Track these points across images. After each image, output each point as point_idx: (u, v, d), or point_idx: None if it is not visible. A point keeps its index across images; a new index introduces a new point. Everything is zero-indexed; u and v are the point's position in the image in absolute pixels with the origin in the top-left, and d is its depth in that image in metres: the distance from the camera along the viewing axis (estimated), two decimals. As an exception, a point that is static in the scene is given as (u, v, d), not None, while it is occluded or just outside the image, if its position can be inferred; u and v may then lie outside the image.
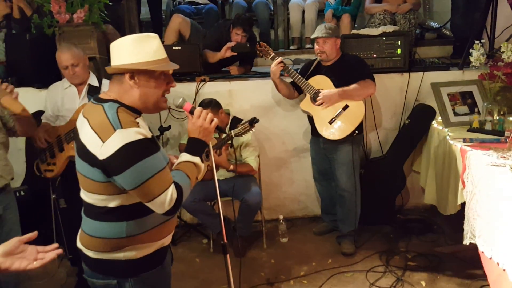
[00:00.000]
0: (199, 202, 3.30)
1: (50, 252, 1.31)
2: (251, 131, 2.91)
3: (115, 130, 1.45)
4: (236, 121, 3.31)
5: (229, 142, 3.15)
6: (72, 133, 2.78)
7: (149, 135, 1.53)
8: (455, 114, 3.39)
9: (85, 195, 1.60)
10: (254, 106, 3.80)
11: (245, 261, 3.31)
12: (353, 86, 3.19)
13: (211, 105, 3.24)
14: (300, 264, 3.32)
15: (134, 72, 1.52)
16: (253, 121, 2.88)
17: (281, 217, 3.74)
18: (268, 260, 3.42)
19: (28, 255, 1.28)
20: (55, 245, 1.33)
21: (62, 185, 3.24)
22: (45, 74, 3.66)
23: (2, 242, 2.37)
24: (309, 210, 4.09)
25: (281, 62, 3.27)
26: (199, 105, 3.25)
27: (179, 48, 3.82)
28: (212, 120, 1.68)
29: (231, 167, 3.27)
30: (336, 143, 3.27)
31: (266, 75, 4.00)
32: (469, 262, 3.06)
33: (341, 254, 3.40)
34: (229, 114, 3.50)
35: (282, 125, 3.88)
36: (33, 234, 1.31)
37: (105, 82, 2.94)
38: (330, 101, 3.20)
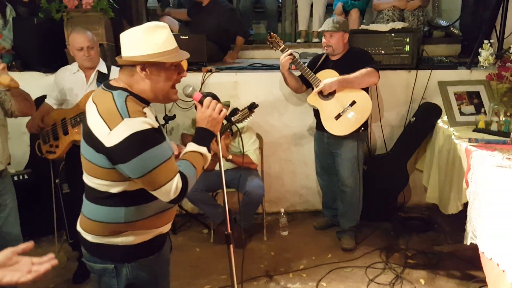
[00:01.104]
0: (201, 192, 3.31)
1: (45, 263, 1.24)
2: (250, 116, 2.89)
3: (122, 119, 1.45)
4: (236, 111, 3.31)
5: (229, 130, 3.13)
6: (78, 118, 2.78)
7: (156, 125, 1.54)
8: (461, 113, 3.38)
9: (87, 179, 1.61)
10: (259, 98, 3.77)
11: (245, 252, 3.33)
12: (354, 74, 3.17)
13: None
14: (300, 258, 3.33)
15: (145, 64, 1.53)
16: (252, 106, 2.86)
17: (282, 210, 3.74)
18: (267, 252, 3.44)
19: (22, 266, 1.22)
20: (51, 255, 1.28)
21: (66, 170, 3.25)
22: (51, 59, 3.66)
23: (0, 227, 2.36)
24: (310, 204, 4.09)
25: (290, 54, 3.26)
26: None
27: (186, 37, 3.81)
28: (221, 111, 1.67)
29: (230, 156, 3.27)
30: (340, 138, 3.26)
31: (272, 67, 4.00)
32: (468, 262, 3.07)
33: (341, 249, 3.41)
34: (228, 106, 3.49)
35: (286, 118, 3.88)
36: (28, 245, 1.25)
37: (114, 69, 2.93)
38: (330, 89, 3.17)
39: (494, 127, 3.07)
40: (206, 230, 3.77)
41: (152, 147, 1.47)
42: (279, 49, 3.35)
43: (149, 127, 1.48)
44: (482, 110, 3.35)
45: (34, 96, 2.69)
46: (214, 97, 3.27)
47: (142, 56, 1.51)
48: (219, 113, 1.67)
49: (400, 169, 3.72)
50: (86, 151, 1.56)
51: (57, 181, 3.37)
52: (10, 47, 3.85)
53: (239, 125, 3.25)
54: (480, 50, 3.48)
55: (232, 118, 2.92)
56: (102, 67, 2.94)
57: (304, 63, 3.38)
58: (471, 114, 3.37)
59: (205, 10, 4.42)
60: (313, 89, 3.33)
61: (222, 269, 3.10)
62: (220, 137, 3.12)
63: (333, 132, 3.24)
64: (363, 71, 3.17)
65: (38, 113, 2.88)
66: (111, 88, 1.57)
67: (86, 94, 2.81)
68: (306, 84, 3.43)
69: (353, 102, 3.21)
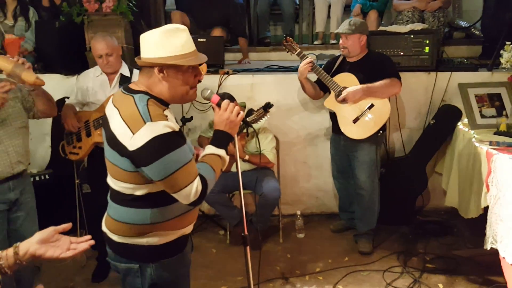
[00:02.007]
0: (217, 194, 3.32)
1: (83, 243, 1.34)
2: (266, 116, 2.90)
3: (145, 123, 1.48)
4: (251, 112, 3.32)
5: (245, 131, 3.14)
6: (101, 120, 2.83)
7: (177, 128, 1.56)
8: (482, 116, 3.32)
9: (112, 182, 1.64)
10: (276, 100, 3.78)
11: (261, 254, 3.33)
12: (378, 83, 3.15)
13: (225, 98, 3.24)
14: (316, 261, 3.31)
15: (163, 66, 1.55)
16: (267, 106, 2.86)
17: (298, 212, 3.73)
18: (283, 255, 3.43)
19: (62, 244, 1.32)
20: (88, 236, 1.37)
21: (88, 171, 3.30)
22: (72, 61, 3.74)
23: (20, 226, 2.45)
24: (326, 207, 4.07)
25: (310, 62, 3.23)
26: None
27: (204, 40, 3.84)
28: (238, 113, 1.69)
29: (246, 157, 3.28)
30: (357, 141, 3.23)
31: (289, 69, 4.00)
32: (488, 267, 3.00)
33: (358, 253, 3.38)
34: (244, 107, 3.50)
35: (302, 120, 3.87)
36: (67, 226, 1.35)
37: (136, 72, 2.97)
38: (353, 98, 3.16)
39: (516, 130, 3.01)
40: (222, 232, 3.78)
41: (173, 150, 1.50)
42: (295, 53, 3.34)
43: (170, 130, 1.51)
44: (504, 112, 3.29)
45: (55, 98, 2.74)
46: (230, 97, 3.29)
47: (161, 58, 1.54)
48: (237, 116, 1.68)
49: (419, 172, 3.67)
50: (110, 155, 1.59)
51: (77, 181, 3.43)
52: (32, 49, 3.94)
53: (255, 126, 3.26)
54: (501, 51, 3.42)
55: (247, 119, 2.93)
56: (124, 70, 2.98)
57: (320, 65, 3.37)
58: (492, 116, 3.31)
59: (208, 2, 4.47)
60: (330, 92, 3.31)
61: (238, 270, 3.10)
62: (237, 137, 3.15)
63: (351, 136, 3.22)
64: (387, 81, 3.15)
65: (70, 112, 2.94)
66: (132, 91, 1.59)
67: (108, 96, 2.85)
68: (323, 89, 3.41)
69: (371, 105, 3.18)
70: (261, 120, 2.93)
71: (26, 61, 2.30)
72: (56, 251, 1.29)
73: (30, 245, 1.27)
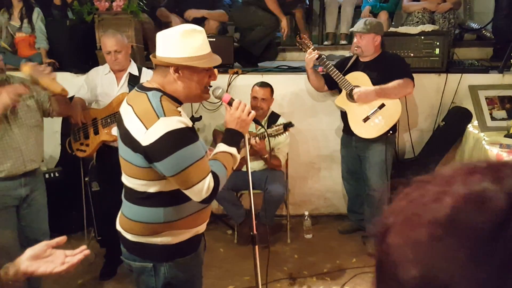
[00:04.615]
0: (226, 191, 3.32)
1: (78, 254, 1.29)
2: (284, 134, 2.94)
3: (158, 118, 1.50)
4: (273, 117, 3.37)
5: (260, 138, 3.15)
6: (109, 119, 2.85)
7: (190, 124, 1.58)
8: (492, 118, 3.30)
9: (126, 180, 1.66)
10: (286, 100, 3.79)
11: (269, 254, 3.32)
12: (391, 84, 3.13)
13: (269, 86, 3.39)
14: (324, 261, 3.30)
15: (179, 67, 1.57)
16: (288, 125, 2.91)
17: (306, 213, 3.72)
18: (291, 255, 3.43)
19: (56, 258, 1.27)
20: (83, 246, 1.34)
21: (97, 169, 3.32)
22: (83, 60, 3.76)
23: (30, 222, 2.49)
24: (334, 208, 4.06)
25: (319, 56, 3.25)
26: (256, 85, 3.40)
27: (214, 39, 3.84)
28: (249, 112, 1.70)
29: (266, 155, 3.29)
30: (369, 142, 3.22)
31: (299, 69, 4.00)
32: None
33: (366, 254, 3.36)
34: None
35: (313, 121, 3.86)
36: (61, 239, 1.30)
37: (145, 71, 2.98)
38: (365, 99, 3.14)
39: (527, 133, 2.99)
40: (230, 231, 3.78)
41: (186, 145, 1.51)
42: (309, 50, 3.34)
43: (183, 126, 1.53)
44: (515, 115, 3.26)
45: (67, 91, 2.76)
46: (272, 88, 3.29)
47: (177, 58, 1.56)
48: (248, 115, 1.69)
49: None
50: (124, 151, 1.61)
51: (86, 179, 3.45)
52: (47, 48, 3.96)
53: (276, 139, 3.27)
54: (513, 53, 3.40)
55: (267, 130, 2.94)
56: (133, 69, 2.98)
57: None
58: (503, 119, 3.29)
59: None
60: (339, 91, 3.30)
61: (245, 270, 3.10)
62: (255, 138, 3.17)
63: (361, 135, 3.21)
64: (400, 82, 3.13)
65: (77, 107, 2.95)
66: (145, 89, 1.61)
67: (117, 96, 2.86)
68: (330, 85, 3.40)
69: (382, 105, 3.17)
70: (277, 137, 2.97)
71: (51, 70, 2.36)
72: (49, 266, 1.23)
73: (21, 263, 1.22)
